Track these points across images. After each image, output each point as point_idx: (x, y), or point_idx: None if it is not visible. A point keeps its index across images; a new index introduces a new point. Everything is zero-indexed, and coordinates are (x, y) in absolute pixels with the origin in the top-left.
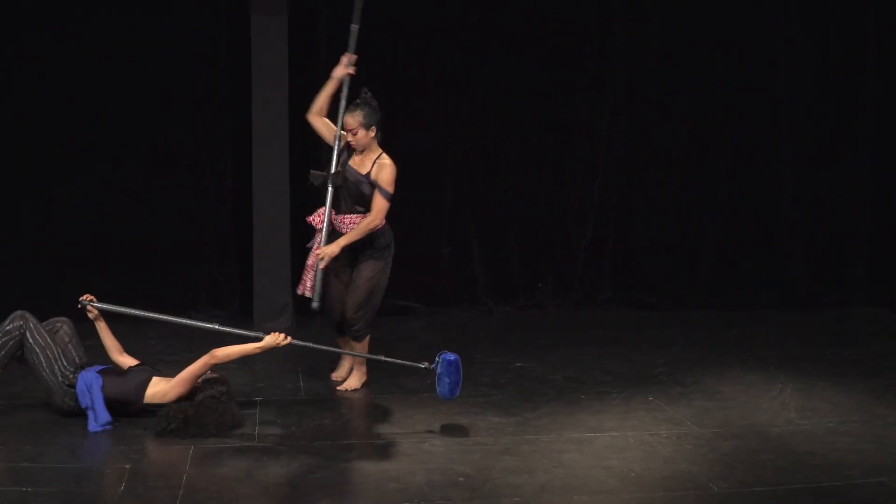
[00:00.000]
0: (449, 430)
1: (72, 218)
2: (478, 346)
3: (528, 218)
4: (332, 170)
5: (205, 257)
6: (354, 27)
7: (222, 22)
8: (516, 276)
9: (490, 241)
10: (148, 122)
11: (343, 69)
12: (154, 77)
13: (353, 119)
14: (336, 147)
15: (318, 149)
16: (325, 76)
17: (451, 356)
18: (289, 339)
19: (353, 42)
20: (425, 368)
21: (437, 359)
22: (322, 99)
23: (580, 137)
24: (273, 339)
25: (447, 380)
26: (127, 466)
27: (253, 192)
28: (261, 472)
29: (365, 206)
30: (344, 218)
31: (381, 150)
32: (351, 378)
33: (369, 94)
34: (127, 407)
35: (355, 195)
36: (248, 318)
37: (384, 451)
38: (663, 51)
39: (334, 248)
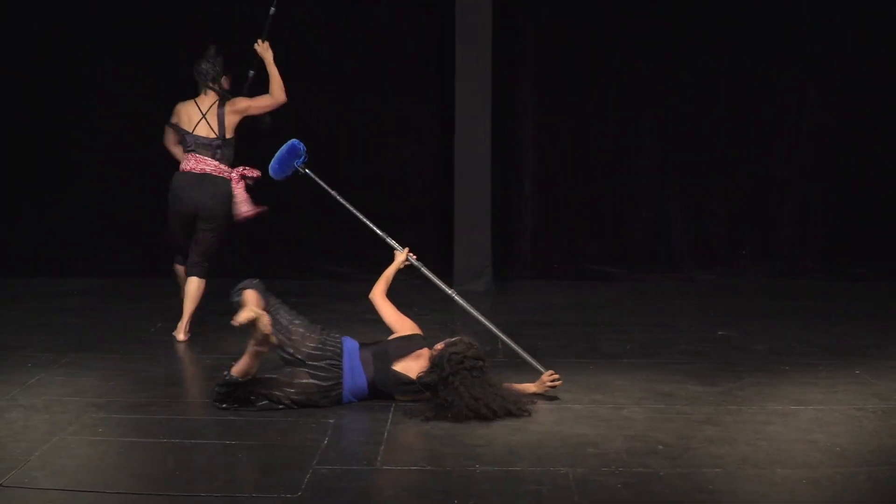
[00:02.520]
0: (649, 397)
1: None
2: (678, 314)
3: (731, 183)
4: None
5: (404, 217)
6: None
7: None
8: (718, 243)
9: (692, 206)
10: (352, 76)
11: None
12: (359, 43)
13: None
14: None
15: (517, 112)
16: (530, 40)
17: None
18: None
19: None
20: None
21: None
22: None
23: (787, 102)
24: (403, 255)
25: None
26: (330, 421)
27: (455, 154)
28: (460, 430)
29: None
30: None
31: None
32: None
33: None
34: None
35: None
36: (447, 279)
37: (582, 415)
38: (871, 14)
39: None
